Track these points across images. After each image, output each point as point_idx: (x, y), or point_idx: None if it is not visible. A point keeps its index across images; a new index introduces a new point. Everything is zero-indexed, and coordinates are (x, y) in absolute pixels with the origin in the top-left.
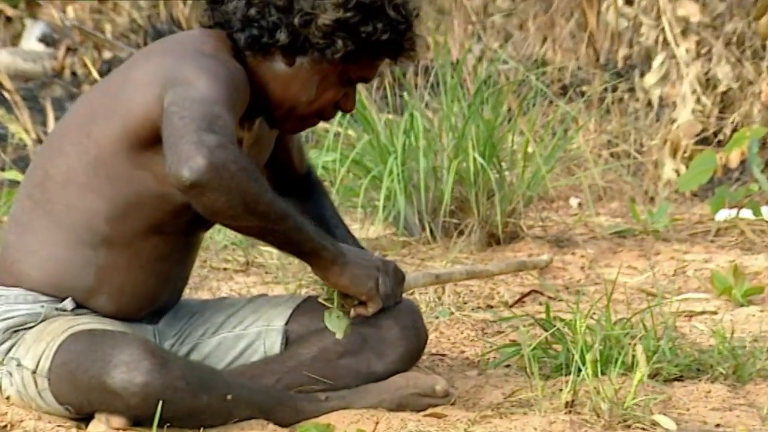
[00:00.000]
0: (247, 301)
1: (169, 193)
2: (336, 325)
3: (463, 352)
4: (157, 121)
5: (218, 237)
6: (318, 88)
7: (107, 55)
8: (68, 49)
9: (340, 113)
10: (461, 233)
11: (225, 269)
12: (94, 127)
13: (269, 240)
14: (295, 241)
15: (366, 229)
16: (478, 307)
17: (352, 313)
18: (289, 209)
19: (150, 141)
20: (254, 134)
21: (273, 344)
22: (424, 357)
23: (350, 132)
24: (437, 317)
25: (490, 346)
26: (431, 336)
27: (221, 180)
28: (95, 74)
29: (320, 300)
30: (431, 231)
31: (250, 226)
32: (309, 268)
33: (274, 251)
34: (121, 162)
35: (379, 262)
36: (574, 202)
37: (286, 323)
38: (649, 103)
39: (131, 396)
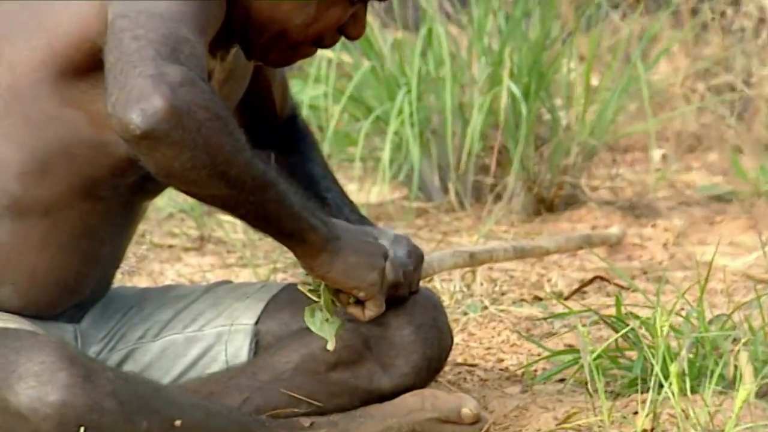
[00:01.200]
0: (203, 291)
1: (109, 142)
2: (323, 329)
3: (500, 360)
4: (97, 40)
5: (161, 202)
6: (318, 5)
7: None
8: None
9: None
10: (498, 197)
11: (171, 246)
12: (7, 47)
13: (239, 213)
14: (274, 218)
15: (367, 191)
16: (522, 300)
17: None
18: (271, 175)
19: (86, 68)
20: (228, 66)
21: (239, 350)
22: (446, 368)
23: (345, 57)
24: (465, 313)
25: (538, 354)
26: (457, 339)
27: (184, 131)
28: None
29: (300, 288)
30: (457, 194)
31: (217, 195)
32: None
33: (240, 222)
34: (43, 96)
35: (386, 243)
36: (656, 153)
37: (257, 321)
38: (762, 19)
39: (43, 420)
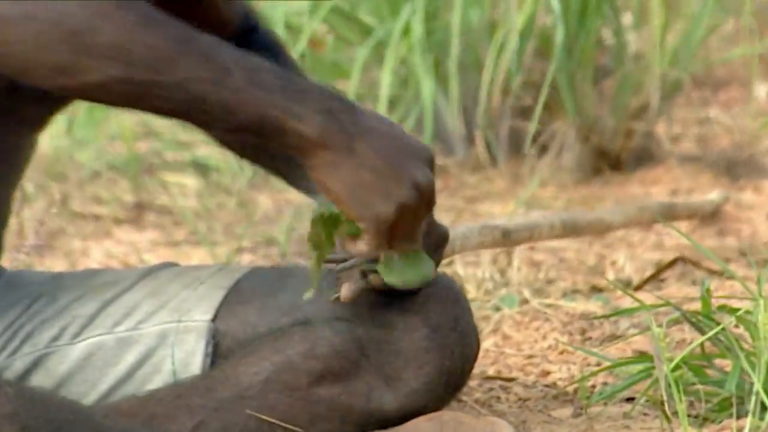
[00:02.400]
0: (139, 275)
1: None
2: (313, 262)
3: (546, 373)
4: None
5: (84, 156)
6: None
7: None
8: None
9: None
10: (544, 150)
11: (98, 217)
12: None
13: (165, 109)
14: (216, 108)
15: None
16: (575, 291)
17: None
18: (198, 41)
19: None
20: None
21: (190, 356)
22: (473, 383)
23: None
24: (499, 309)
25: (597, 364)
26: (487, 344)
27: None
28: None
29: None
30: (488, 145)
31: (105, 83)
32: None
33: (189, 181)
34: None
35: (419, 165)
36: (761, 90)
37: (214, 318)
38: None
39: None
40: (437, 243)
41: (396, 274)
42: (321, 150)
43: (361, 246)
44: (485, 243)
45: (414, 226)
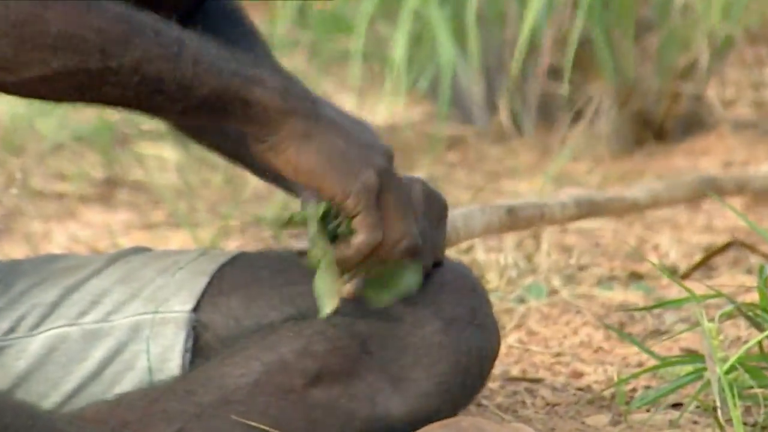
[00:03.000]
0: (107, 261)
1: None
2: (322, 283)
3: (579, 374)
4: None
5: (45, 126)
6: None
7: None
8: None
9: None
10: (578, 117)
11: (62, 195)
12: None
13: (116, 96)
14: (180, 81)
15: (370, 107)
16: (612, 278)
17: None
18: (148, 15)
19: None
20: None
21: (168, 351)
22: (494, 385)
23: None
24: (524, 300)
25: (638, 363)
26: (511, 340)
27: None
28: None
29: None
30: (513, 112)
31: (48, 77)
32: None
33: (168, 154)
34: None
35: (382, 150)
36: None
37: (195, 308)
38: None
39: None
40: (437, 213)
41: (372, 290)
42: (289, 118)
43: (359, 238)
44: (491, 225)
45: (400, 199)
